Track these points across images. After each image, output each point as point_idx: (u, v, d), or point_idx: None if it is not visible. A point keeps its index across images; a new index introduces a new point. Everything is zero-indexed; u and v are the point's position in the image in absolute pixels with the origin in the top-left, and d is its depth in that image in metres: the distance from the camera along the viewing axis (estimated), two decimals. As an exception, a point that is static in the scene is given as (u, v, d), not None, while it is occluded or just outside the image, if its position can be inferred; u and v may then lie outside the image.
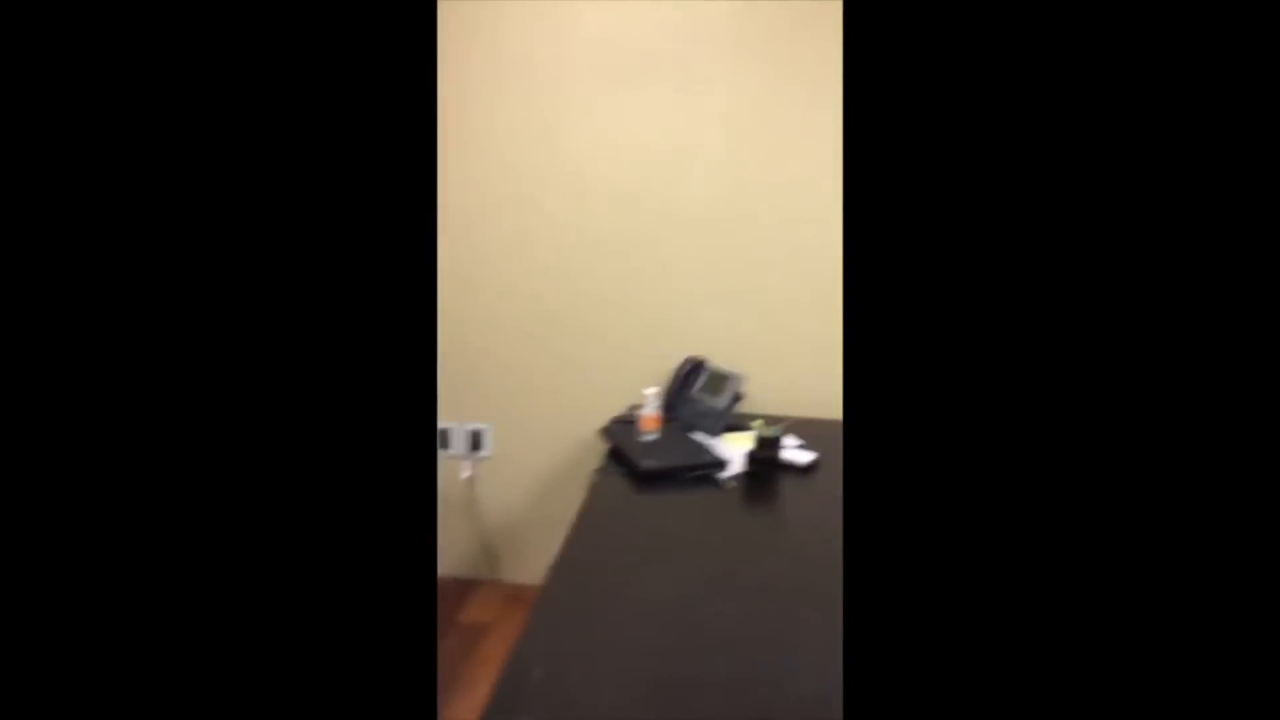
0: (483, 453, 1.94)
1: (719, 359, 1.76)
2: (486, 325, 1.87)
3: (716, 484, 1.28)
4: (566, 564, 0.99)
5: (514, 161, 1.76)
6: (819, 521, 1.14)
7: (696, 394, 1.64)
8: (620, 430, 1.51)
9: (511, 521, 2.00)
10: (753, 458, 1.32)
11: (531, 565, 2.00)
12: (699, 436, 1.50)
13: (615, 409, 1.80)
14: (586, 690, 0.72)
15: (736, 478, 1.31)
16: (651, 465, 1.30)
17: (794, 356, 1.76)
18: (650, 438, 1.45)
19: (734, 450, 1.41)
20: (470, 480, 1.97)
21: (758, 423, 1.36)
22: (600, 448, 1.54)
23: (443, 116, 1.76)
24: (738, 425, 1.55)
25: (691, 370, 1.68)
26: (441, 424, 1.93)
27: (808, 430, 1.55)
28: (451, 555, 2.02)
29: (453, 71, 1.73)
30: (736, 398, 1.59)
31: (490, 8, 1.67)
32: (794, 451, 1.39)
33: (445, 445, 1.95)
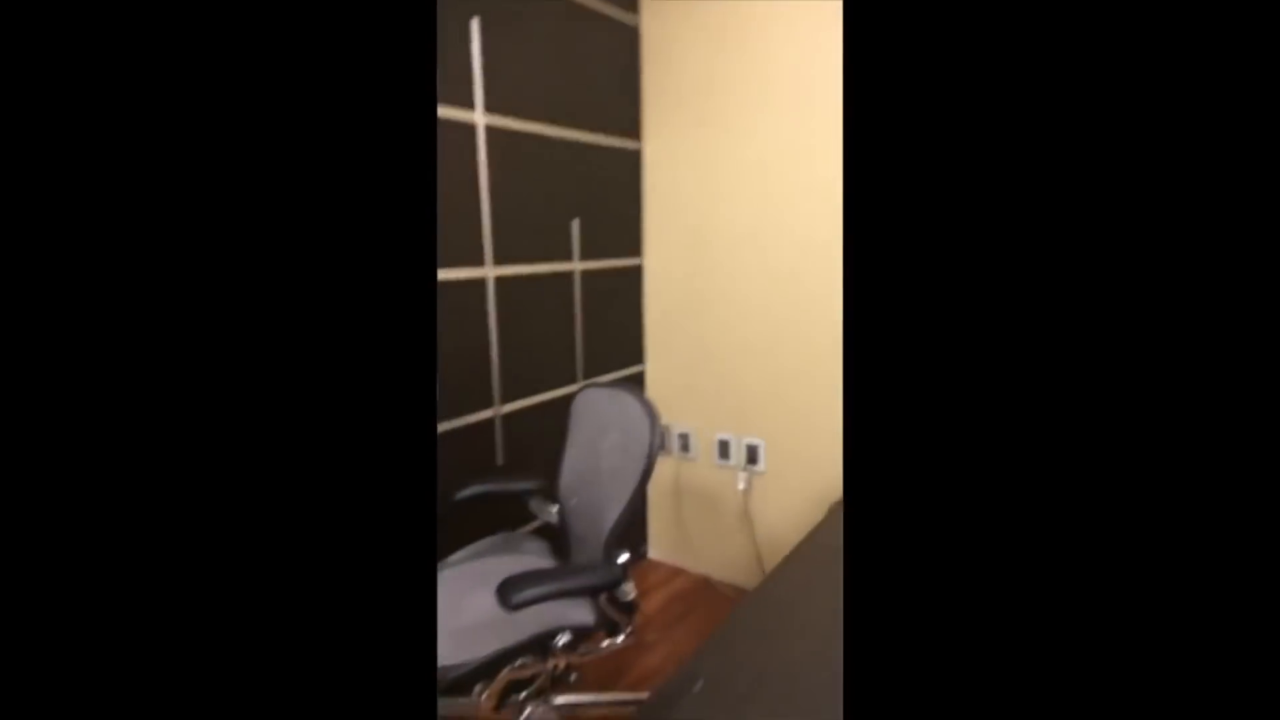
0: (758, 467, 2.01)
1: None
2: (756, 345, 1.94)
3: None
4: (768, 590, 1.00)
5: (780, 188, 1.80)
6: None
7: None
8: (876, 461, 1.40)
9: (783, 538, 2.01)
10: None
11: (802, 586, 1.98)
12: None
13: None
14: (731, 717, 0.74)
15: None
16: (895, 504, 1.18)
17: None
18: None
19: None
20: (746, 492, 2.05)
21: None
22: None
23: (710, 149, 1.90)
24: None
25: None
26: (722, 435, 2.07)
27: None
28: (731, 563, 2.14)
29: (725, 110, 1.86)
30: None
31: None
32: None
33: (725, 456, 2.07)
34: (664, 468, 2.22)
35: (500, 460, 1.68)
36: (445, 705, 1.44)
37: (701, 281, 2.03)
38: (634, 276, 2.11)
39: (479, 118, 1.49)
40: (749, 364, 1.98)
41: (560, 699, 1.40)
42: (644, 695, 1.49)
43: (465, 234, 1.50)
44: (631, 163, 2.03)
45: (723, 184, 1.93)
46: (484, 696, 1.12)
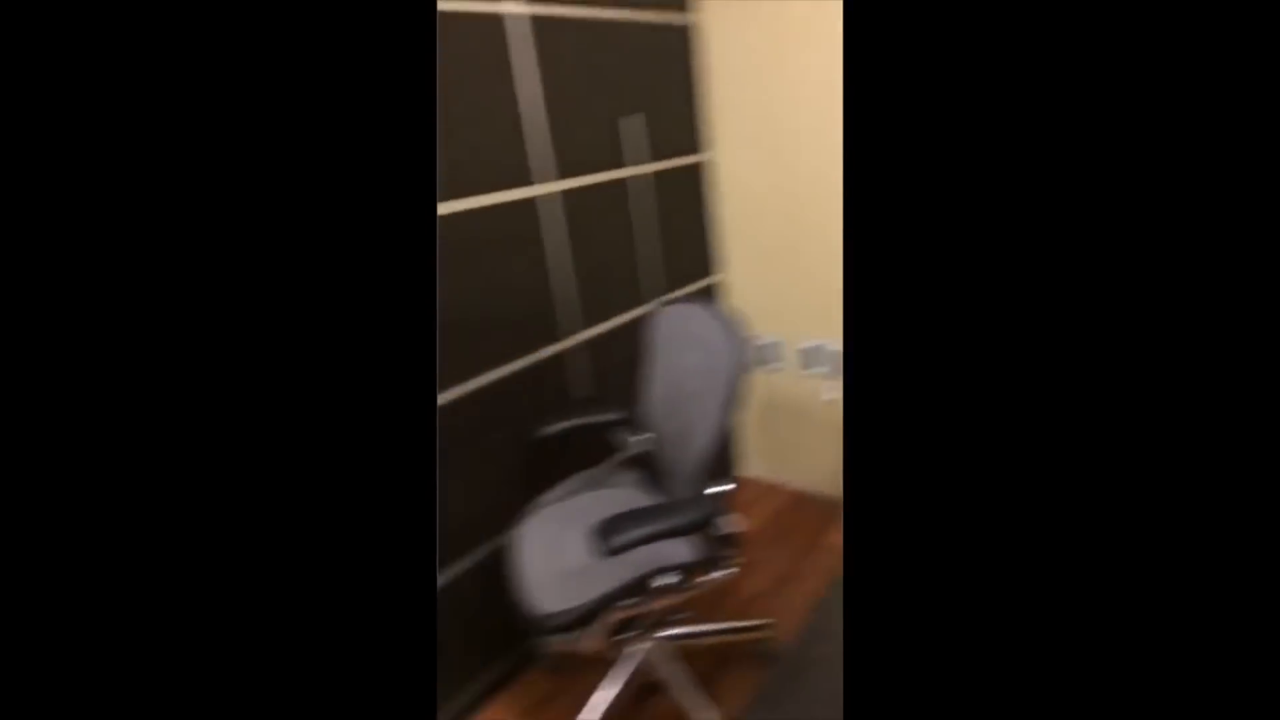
0: (853, 373, 1.84)
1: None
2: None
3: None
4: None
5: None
6: None
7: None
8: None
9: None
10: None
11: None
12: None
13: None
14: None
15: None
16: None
17: None
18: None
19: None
20: (832, 403, 1.89)
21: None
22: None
23: (779, 12, 1.60)
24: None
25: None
26: (809, 343, 1.89)
27: None
28: (818, 474, 2.02)
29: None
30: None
31: None
32: None
33: (813, 364, 1.91)
34: (756, 380, 2.08)
35: (580, 393, 1.58)
36: (552, 643, 1.43)
37: (779, 175, 1.79)
38: (698, 176, 1.89)
39: (507, 6, 1.28)
40: (829, 264, 1.76)
41: (666, 633, 1.36)
42: (753, 623, 1.43)
43: (505, 150, 1.34)
44: (681, 41, 1.76)
45: (799, 55, 1.64)
46: (588, 639, 1.07)
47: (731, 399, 1.07)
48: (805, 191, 1.75)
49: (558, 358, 1.51)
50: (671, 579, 1.11)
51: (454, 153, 1.23)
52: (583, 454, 1.55)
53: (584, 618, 1.04)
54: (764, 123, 1.76)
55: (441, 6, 1.16)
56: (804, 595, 1.60)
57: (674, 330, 1.29)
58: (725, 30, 1.74)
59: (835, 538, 1.84)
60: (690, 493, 1.15)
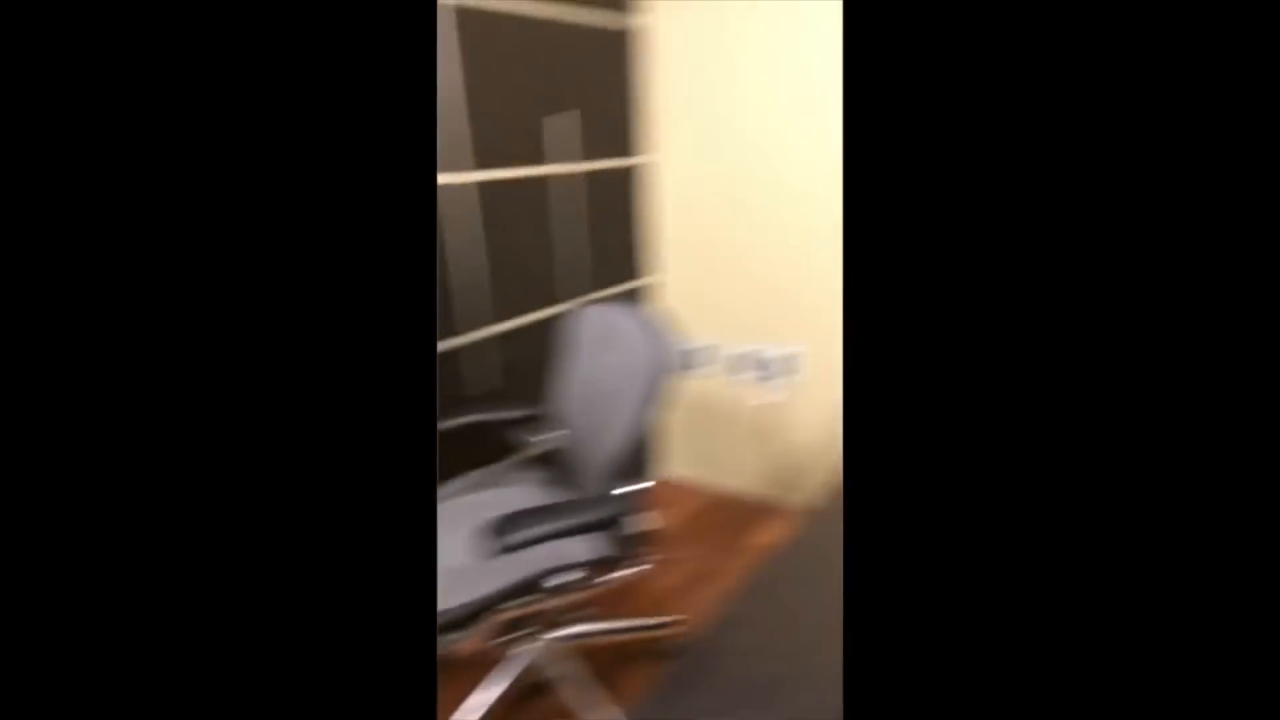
0: (796, 377, 1.86)
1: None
2: (792, 244, 1.75)
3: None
4: (810, 528, 0.87)
5: (824, 62, 1.54)
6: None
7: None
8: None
9: (831, 449, 1.90)
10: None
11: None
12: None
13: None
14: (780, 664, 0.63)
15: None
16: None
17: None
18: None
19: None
20: (780, 404, 1.92)
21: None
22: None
23: (726, 15, 1.62)
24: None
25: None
26: (752, 346, 1.91)
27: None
28: (742, 478, 2.04)
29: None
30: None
31: None
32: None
33: (754, 368, 1.92)
34: (684, 382, 2.09)
35: (485, 389, 1.56)
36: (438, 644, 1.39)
37: (720, 180, 1.80)
38: (632, 178, 1.89)
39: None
40: (783, 267, 1.79)
41: (560, 632, 1.34)
42: (659, 620, 1.43)
43: (441, 134, 1.30)
44: (616, 44, 1.75)
45: (746, 60, 1.66)
46: (473, 639, 1.04)
47: (650, 398, 1.07)
48: (747, 197, 1.77)
49: (455, 353, 1.48)
50: (569, 577, 1.10)
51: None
52: (484, 452, 1.52)
53: (462, 620, 1.01)
54: (707, 127, 1.78)
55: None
56: (718, 593, 1.61)
57: (595, 329, 1.28)
58: (670, 33, 1.75)
59: (756, 539, 1.86)
60: (600, 491, 1.14)
